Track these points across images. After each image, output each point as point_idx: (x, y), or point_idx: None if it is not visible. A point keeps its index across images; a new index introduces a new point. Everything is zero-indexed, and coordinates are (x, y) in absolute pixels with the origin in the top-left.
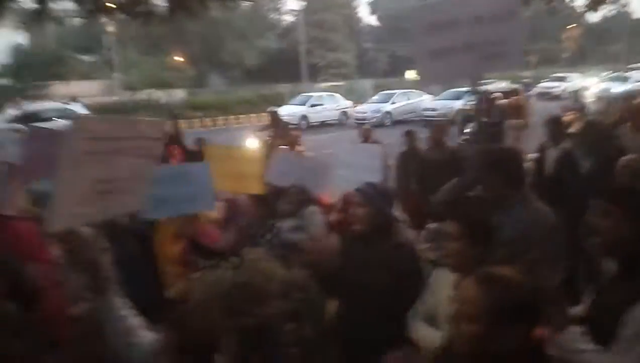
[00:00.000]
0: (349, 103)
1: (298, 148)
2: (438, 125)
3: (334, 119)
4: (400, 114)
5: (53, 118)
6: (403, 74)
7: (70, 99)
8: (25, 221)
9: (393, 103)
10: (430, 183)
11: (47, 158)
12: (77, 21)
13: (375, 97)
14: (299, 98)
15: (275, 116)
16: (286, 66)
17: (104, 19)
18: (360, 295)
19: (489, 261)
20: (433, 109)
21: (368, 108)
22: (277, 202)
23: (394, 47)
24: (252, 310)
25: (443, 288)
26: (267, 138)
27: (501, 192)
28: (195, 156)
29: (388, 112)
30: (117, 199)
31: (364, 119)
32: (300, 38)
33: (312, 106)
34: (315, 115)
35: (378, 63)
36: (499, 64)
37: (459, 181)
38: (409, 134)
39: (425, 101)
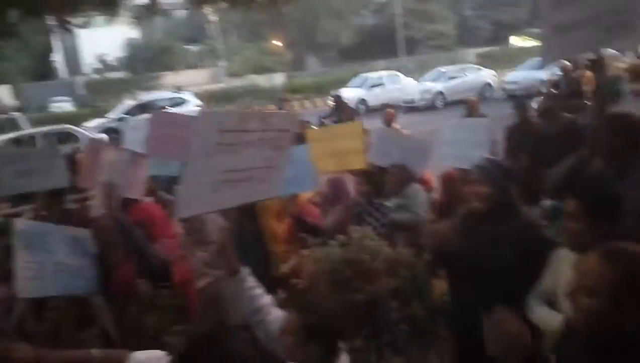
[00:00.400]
0: (412, 82)
1: (395, 126)
2: (550, 94)
3: (396, 101)
4: (455, 93)
5: (166, 107)
6: (507, 41)
7: (176, 89)
8: (151, 203)
9: (446, 82)
10: (545, 157)
11: (169, 140)
12: (182, 13)
13: (428, 76)
14: (356, 80)
15: (339, 100)
16: (382, 42)
17: (207, 9)
18: (480, 276)
19: (613, 236)
20: (514, 82)
21: (416, 89)
22: (382, 181)
23: (497, 12)
24: (360, 286)
25: (563, 268)
26: (332, 123)
27: (623, 159)
28: (297, 138)
29: (440, 93)
30: (247, 187)
31: (411, 102)
32: (396, 11)
33: (371, 87)
34: (375, 98)
35: (480, 31)
36: (629, 36)
37: (577, 155)
38: (521, 106)
39: (484, 75)
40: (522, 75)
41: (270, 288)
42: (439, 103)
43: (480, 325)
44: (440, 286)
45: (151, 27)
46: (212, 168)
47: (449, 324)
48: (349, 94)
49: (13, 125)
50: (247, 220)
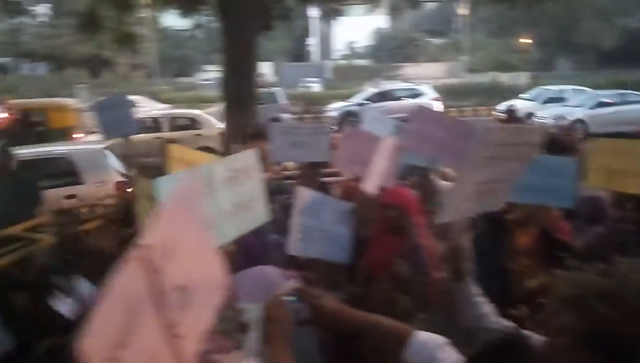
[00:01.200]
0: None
1: None
2: None
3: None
4: (603, 125)
5: (403, 98)
6: None
7: (408, 80)
8: (403, 187)
9: (592, 108)
10: None
11: (425, 137)
12: (432, 5)
13: (572, 100)
14: (533, 92)
15: (512, 114)
16: None
17: (457, 2)
18: None
19: None
20: None
21: (551, 112)
22: None
23: None
24: (621, 325)
25: None
26: None
27: None
28: (562, 146)
29: (579, 121)
30: (490, 198)
31: None
32: None
33: (545, 102)
34: (547, 114)
35: None
36: None
37: None
38: None
39: None
40: None
41: (507, 299)
42: (577, 133)
43: None
44: None
45: (399, 18)
46: (474, 179)
47: None
48: (520, 105)
49: (272, 98)
50: (490, 225)
